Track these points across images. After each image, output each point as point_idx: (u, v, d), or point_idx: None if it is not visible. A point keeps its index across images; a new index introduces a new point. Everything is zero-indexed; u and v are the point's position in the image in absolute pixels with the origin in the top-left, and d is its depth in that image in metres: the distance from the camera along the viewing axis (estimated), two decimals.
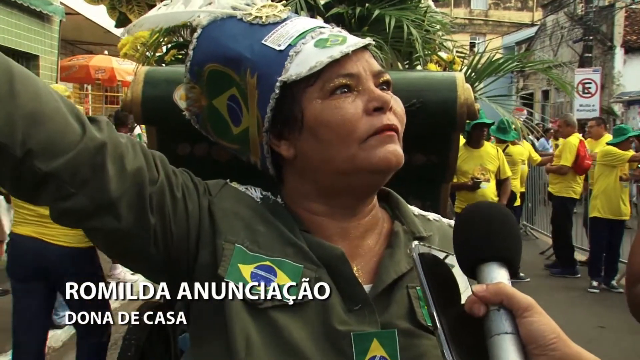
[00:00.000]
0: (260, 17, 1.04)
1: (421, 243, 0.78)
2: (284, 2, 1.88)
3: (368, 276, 0.98)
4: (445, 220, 1.14)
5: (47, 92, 0.82)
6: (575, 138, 7.64)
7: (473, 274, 0.75)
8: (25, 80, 0.80)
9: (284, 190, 1.05)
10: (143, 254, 0.93)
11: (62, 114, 0.82)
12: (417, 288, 0.96)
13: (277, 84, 0.96)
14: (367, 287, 0.95)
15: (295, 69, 0.95)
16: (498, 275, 0.73)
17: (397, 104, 0.98)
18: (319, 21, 1.06)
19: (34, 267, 3.20)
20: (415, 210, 1.11)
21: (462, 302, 0.75)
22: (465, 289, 0.81)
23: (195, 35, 1.09)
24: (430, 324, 0.91)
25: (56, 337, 5.01)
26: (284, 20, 1.04)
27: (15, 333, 3.29)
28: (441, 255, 0.82)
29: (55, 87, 4.20)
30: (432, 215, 1.13)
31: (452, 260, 0.81)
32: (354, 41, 0.97)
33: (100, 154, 0.84)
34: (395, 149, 0.94)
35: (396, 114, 0.96)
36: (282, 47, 0.98)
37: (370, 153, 0.93)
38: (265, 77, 0.98)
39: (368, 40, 1.00)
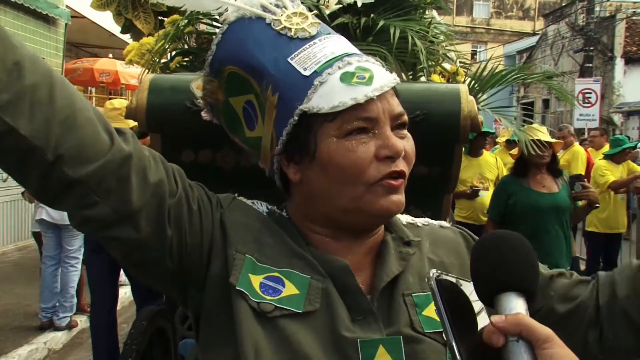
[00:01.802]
0: (290, 29, 1.02)
1: (438, 271, 0.78)
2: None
3: (367, 286, 1.00)
4: (435, 222, 1.16)
5: (82, 101, 0.85)
6: (581, 147, 7.65)
7: (491, 303, 0.75)
8: (63, 88, 0.83)
9: (290, 204, 1.07)
10: (158, 265, 0.95)
11: (94, 123, 0.85)
12: (413, 295, 0.99)
13: (297, 111, 0.96)
14: (367, 297, 0.97)
15: (317, 101, 0.95)
16: (516, 306, 0.73)
17: (409, 144, 0.99)
18: (347, 45, 1.04)
19: None
20: (404, 219, 1.12)
21: (479, 328, 0.75)
22: (480, 310, 0.81)
23: (220, 30, 1.08)
24: (427, 330, 0.95)
25: (56, 339, 5.02)
26: (313, 37, 1.02)
27: (92, 293, 4.17)
28: (456, 281, 0.82)
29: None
30: (420, 221, 1.14)
31: (466, 285, 0.81)
32: (379, 83, 0.95)
33: (126, 165, 0.86)
34: (398, 200, 0.96)
35: (406, 158, 0.98)
36: (308, 73, 0.97)
37: (374, 199, 0.95)
38: (286, 100, 0.98)
39: (395, 80, 0.99)
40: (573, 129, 8.20)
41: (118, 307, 6.05)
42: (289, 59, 1.00)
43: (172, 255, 0.94)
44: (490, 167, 5.88)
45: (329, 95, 0.94)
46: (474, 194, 5.60)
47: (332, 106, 0.94)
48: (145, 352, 2.23)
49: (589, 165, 7.46)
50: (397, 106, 0.98)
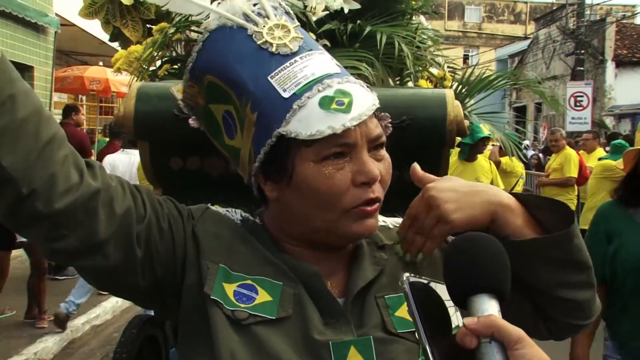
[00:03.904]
0: (271, 44, 1.01)
1: (411, 274, 0.78)
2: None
3: (340, 290, 1.02)
4: None
5: (62, 139, 0.88)
6: (572, 150, 7.70)
7: (464, 305, 0.76)
8: (49, 125, 0.86)
9: (267, 214, 1.08)
10: (132, 286, 0.97)
11: (68, 161, 0.87)
12: (385, 297, 1.01)
13: (275, 133, 0.96)
14: (340, 301, 1.00)
15: (296, 125, 0.94)
16: (489, 307, 0.73)
17: (384, 165, 0.99)
18: (329, 64, 1.02)
19: None
20: None
21: (453, 330, 0.75)
22: (453, 312, 0.81)
23: (202, 37, 1.06)
24: (400, 330, 0.97)
25: (47, 350, 4.98)
26: (295, 53, 1.00)
27: None
28: (431, 283, 0.82)
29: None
30: (392, 222, 1.15)
31: (440, 287, 0.81)
32: (358, 111, 0.95)
33: (94, 200, 0.89)
34: (371, 224, 0.99)
35: (382, 182, 0.98)
36: (287, 95, 0.96)
37: (349, 224, 0.97)
38: (264, 120, 0.98)
39: (374, 106, 0.98)
40: (565, 132, 8.27)
41: (109, 317, 6.06)
42: (269, 77, 0.99)
43: (145, 275, 0.96)
44: (485, 171, 5.89)
45: (308, 121, 0.94)
46: None
47: (309, 134, 0.94)
48: None
49: (582, 168, 7.50)
50: (374, 129, 0.98)
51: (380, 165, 0.98)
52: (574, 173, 7.40)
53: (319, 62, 1.02)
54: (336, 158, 0.95)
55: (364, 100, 0.97)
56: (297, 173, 0.96)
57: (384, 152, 1.00)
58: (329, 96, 0.95)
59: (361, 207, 0.96)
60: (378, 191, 0.97)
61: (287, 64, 1.00)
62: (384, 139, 1.00)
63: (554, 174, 7.65)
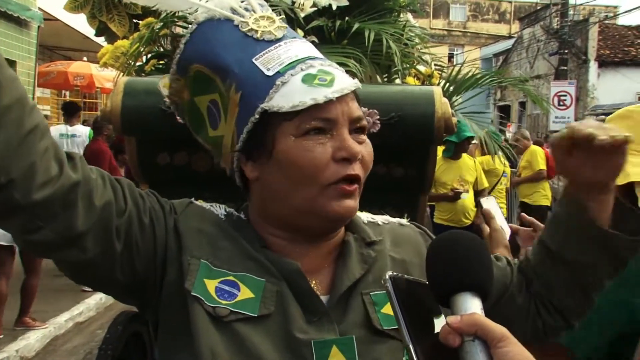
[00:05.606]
0: (256, 31, 1.03)
1: (394, 273, 0.78)
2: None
3: (325, 287, 1.01)
4: (395, 220, 1.17)
5: (45, 129, 0.86)
6: (537, 147, 7.93)
7: (447, 304, 0.76)
8: (33, 114, 0.84)
9: (250, 205, 1.07)
10: (110, 280, 0.95)
11: (49, 152, 0.85)
12: (371, 294, 1.00)
13: (258, 109, 0.97)
14: (325, 298, 0.99)
15: (279, 100, 0.95)
16: (472, 306, 0.74)
17: (366, 149, 0.99)
18: (312, 49, 1.05)
19: None
20: (364, 217, 1.13)
21: (437, 329, 0.76)
22: (437, 310, 0.82)
23: (189, 29, 1.09)
24: (387, 327, 0.97)
25: (29, 347, 4.93)
26: (279, 40, 1.03)
27: None
28: (414, 281, 0.82)
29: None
30: (381, 219, 1.15)
31: (423, 286, 0.81)
32: (339, 85, 0.96)
33: (73, 192, 0.87)
34: (350, 206, 0.97)
35: (363, 163, 0.98)
36: (271, 73, 0.98)
37: (327, 202, 0.96)
38: (248, 98, 0.99)
39: (355, 85, 0.99)
40: (528, 133, 8.56)
41: (93, 314, 6.01)
42: (253, 59, 1.01)
43: (124, 269, 0.95)
44: (469, 169, 5.93)
45: (290, 95, 0.95)
46: (456, 196, 5.64)
47: (292, 105, 0.94)
48: (121, 357, 2.21)
49: (549, 160, 7.66)
50: (356, 110, 0.99)
51: (361, 147, 0.98)
52: (542, 165, 7.63)
53: (303, 46, 1.05)
54: (317, 134, 0.95)
55: (346, 79, 0.99)
56: (277, 148, 0.96)
57: (365, 137, 1.01)
58: (311, 74, 0.97)
59: (341, 184, 0.95)
60: (358, 169, 0.97)
61: (272, 47, 1.02)
62: (365, 122, 1.00)
63: (524, 172, 7.94)
